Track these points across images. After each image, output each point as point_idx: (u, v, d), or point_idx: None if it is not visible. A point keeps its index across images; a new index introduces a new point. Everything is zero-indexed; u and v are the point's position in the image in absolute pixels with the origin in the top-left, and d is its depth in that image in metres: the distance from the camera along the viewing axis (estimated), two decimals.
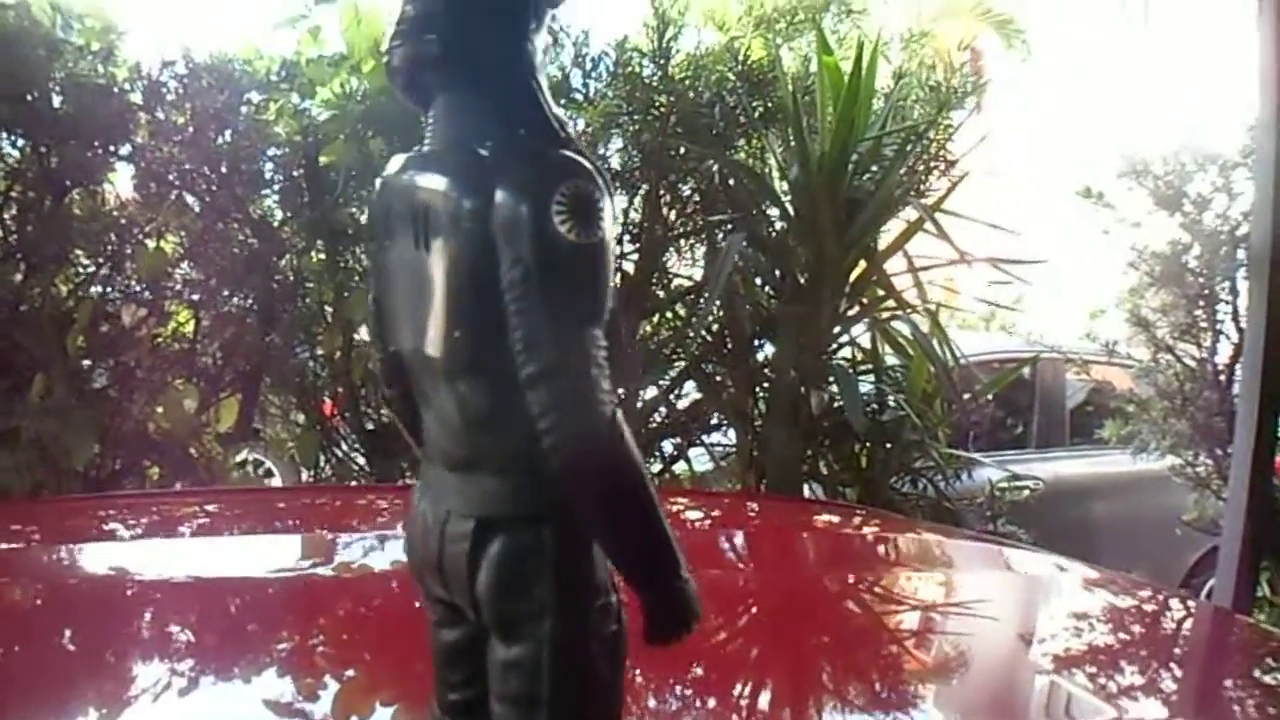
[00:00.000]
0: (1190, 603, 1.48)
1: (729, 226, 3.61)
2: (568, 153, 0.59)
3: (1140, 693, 0.90)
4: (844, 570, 1.41)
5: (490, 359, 0.57)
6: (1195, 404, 4.49)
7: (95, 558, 1.42)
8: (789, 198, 3.52)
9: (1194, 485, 4.59)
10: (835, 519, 2.02)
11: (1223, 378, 4.49)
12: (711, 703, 0.78)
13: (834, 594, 1.29)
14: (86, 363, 3.51)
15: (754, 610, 1.22)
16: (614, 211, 0.58)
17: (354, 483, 3.74)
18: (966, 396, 3.81)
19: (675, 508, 1.98)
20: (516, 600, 0.58)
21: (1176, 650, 1.14)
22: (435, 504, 0.63)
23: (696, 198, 3.77)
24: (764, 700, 0.87)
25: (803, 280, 3.45)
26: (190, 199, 3.68)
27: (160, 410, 3.52)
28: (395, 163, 0.67)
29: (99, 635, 1.09)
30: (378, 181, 0.68)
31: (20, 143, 3.63)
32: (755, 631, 1.12)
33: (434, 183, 0.61)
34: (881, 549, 1.67)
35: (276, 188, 3.76)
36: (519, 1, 0.62)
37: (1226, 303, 4.53)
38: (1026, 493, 4.35)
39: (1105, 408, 5.04)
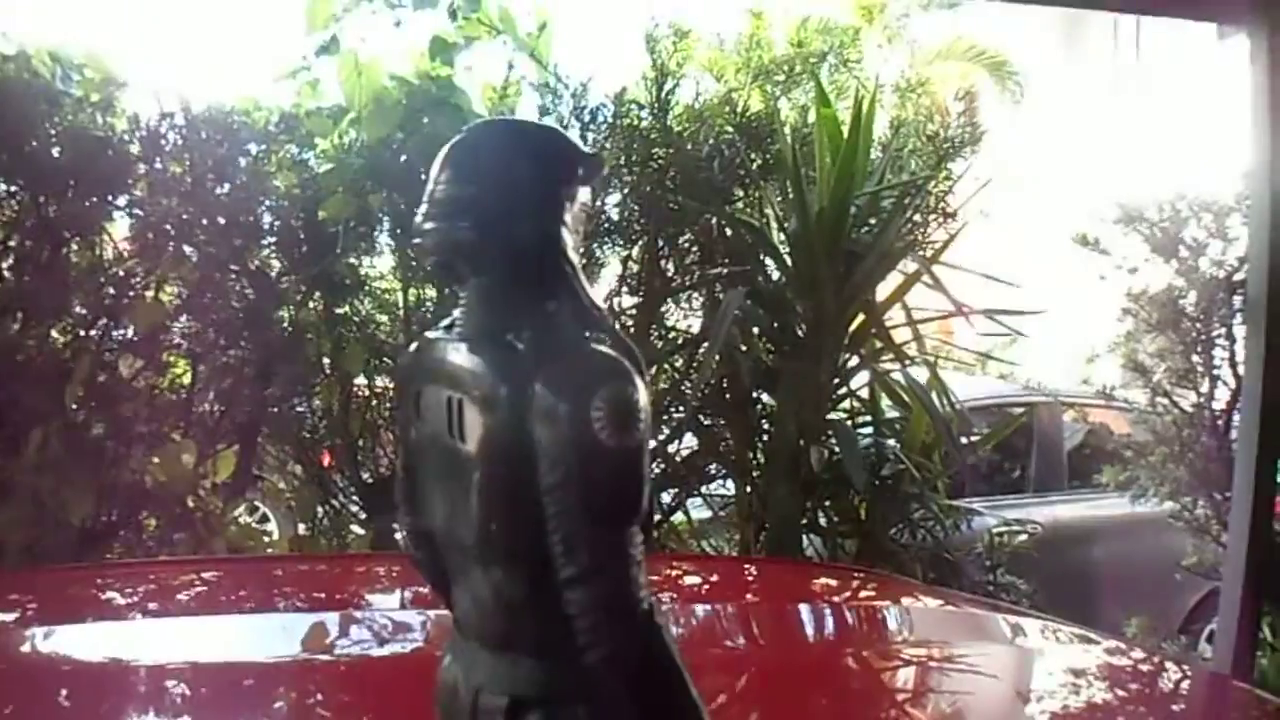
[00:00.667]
0: (1185, 667, 1.47)
1: (727, 279, 3.61)
2: (605, 350, 0.59)
3: None
4: (842, 640, 1.40)
5: (527, 549, 0.57)
6: (1193, 449, 4.49)
7: (85, 634, 1.40)
8: (787, 250, 3.53)
9: (1193, 530, 4.59)
10: (833, 583, 2.01)
11: (1220, 423, 4.49)
12: None
13: (830, 663, 1.28)
14: (83, 415, 3.48)
15: (753, 680, 1.21)
16: (647, 403, 0.58)
17: (351, 534, 3.72)
18: (964, 443, 3.80)
19: (674, 572, 1.97)
20: None
21: (1173, 715, 1.13)
22: (467, 676, 0.62)
23: (695, 250, 3.78)
24: None
25: (801, 333, 3.46)
26: (188, 250, 3.67)
27: (157, 462, 3.50)
28: (425, 341, 0.67)
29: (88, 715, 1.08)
30: (405, 354, 0.68)
31: (18, 193, 3.62)
32: (754, 702, 1.11)
33: (468, 372, 0.60)
34: (879, 616, 1.66)
35: (275, 239, 3.76)
36: (550, 185, 0.62)
37: (1223, 348, 4.54)
38: (1024, 538, 4.34)
39: (1103, 451, 5.04)
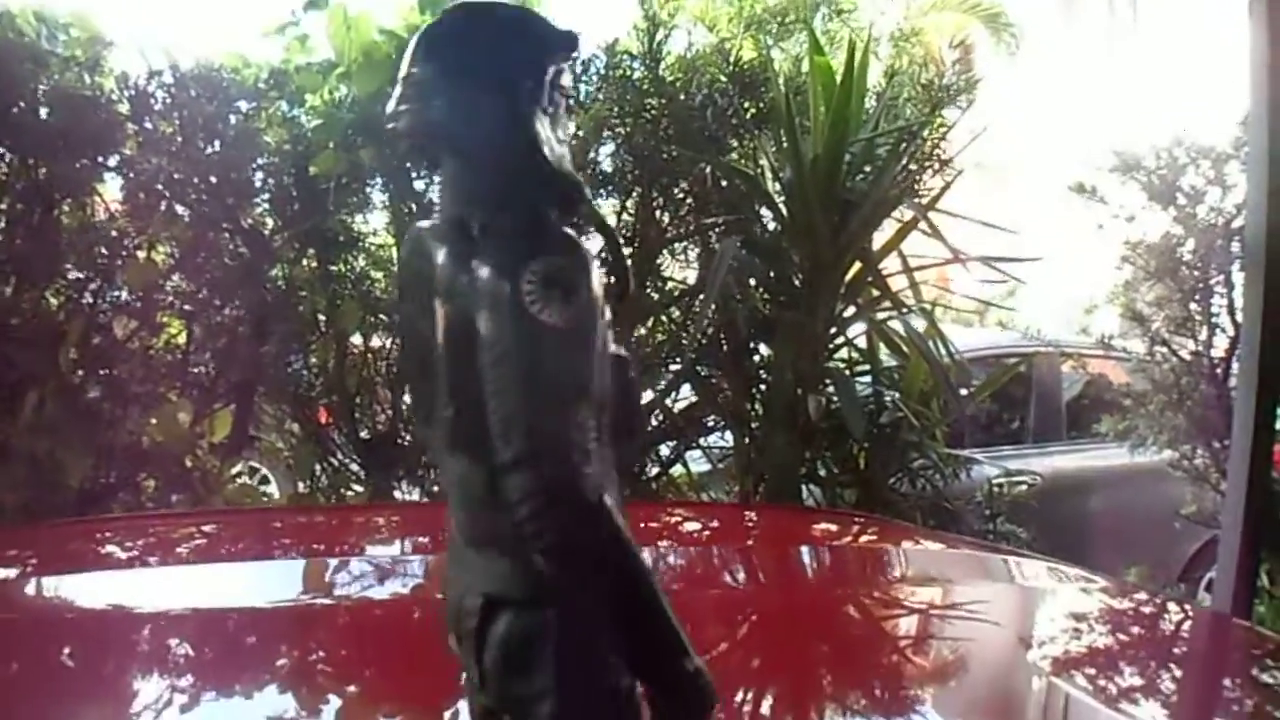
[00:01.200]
0: (1187, 607, 1.46)
1: (722, 229, 3.59)
2: (554, 225, 0.57)
3: (1137, 697, 0.89)
4: (843, 582, 1.40)
5: (483, 439, 0.55)
6: (1192, 398, 4.49)
7: (92, 585, 1.40)
8: (782, 199, 3.51)
9: (1192, 479, 4.60)
10: (833, 528, 2.01)
11: (1219, 371, 4.49)
12: None
13: (831, 606, 1.27)
14: (78, 377, 3.47)
15: (754, 625, 1.20)
16: (597, 281, 0.55)
17: (351, 491, 3.72)
18: (963, 394, 3.80)
19: (672, 519, 1.97)
20: (518, 683, 0.56)
21: (1173, 654, 1.12)
22: (457, 576, 0.61)
23: (689, 200, 3.75)
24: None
25: (798, 282, 3.44)
26: (180, 209, 3.65)
27: (154, 423, 3.49)
28: (414, 231, 0.65)
29: (96, 666, 1.07)
30: (404, 246, 0.66)
31: (7, 155, 3.59)
32: (756, 647, 1.10)
33: (435, 257, 0.59)
34: (880, 559, 1.65)
35: (267, 197, 3.73)
36: (523, 63, 0.60)
37: (1221, 296, 4.53)
38: (1024, 488, 4.35)
39: (1101, 401, 5.04)
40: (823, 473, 3.49)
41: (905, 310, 3.45)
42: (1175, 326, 4.58)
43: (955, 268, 3.91)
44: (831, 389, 3.32)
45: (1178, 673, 1.06)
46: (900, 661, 1.07)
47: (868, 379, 3.56)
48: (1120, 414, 4.69)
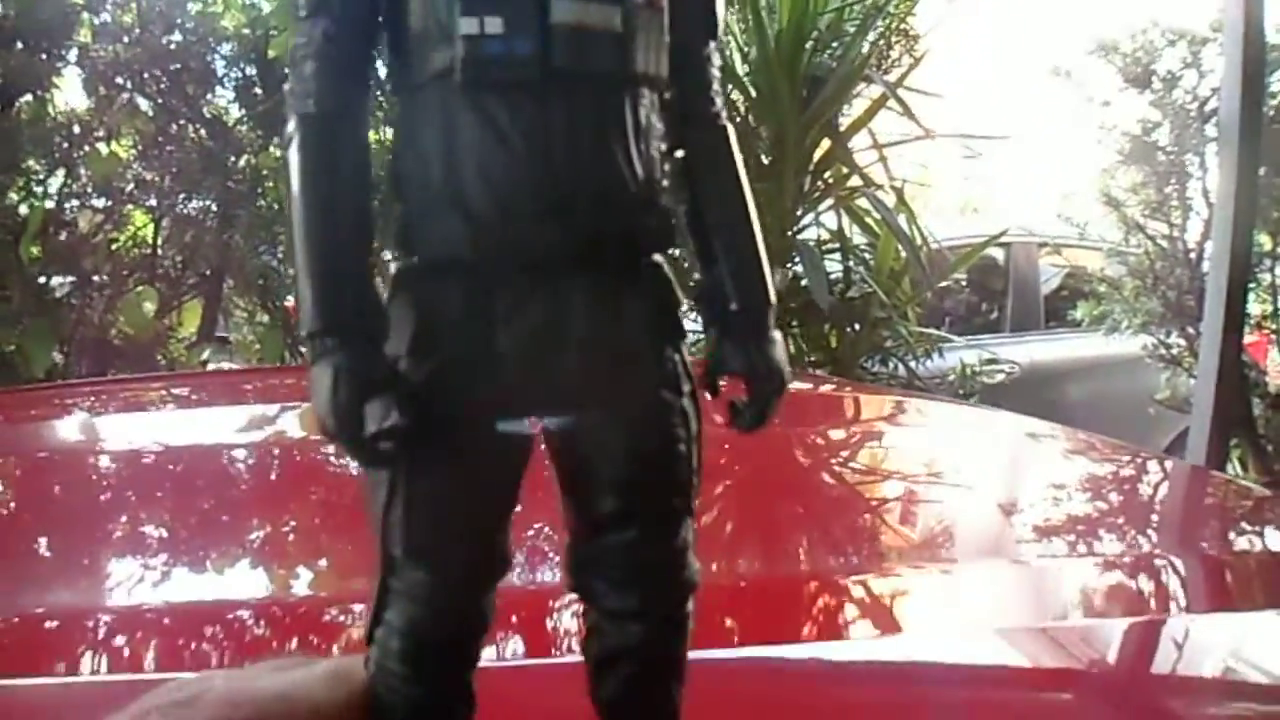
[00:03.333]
0: (1168, 463, 1.46)
1: None
2: None
3: (1119, 544, 0.88)
4: (819, 436, 1.38)
5: None
6: (1166, 282, 4.49)
7: (68, 439, 1.40)
8: (748, 76, 3.46)
9: (1166, 364, 4.61)
10: (806, 386, 2.00)
11: (1193, 255, 4.48)
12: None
13: (812, 460, 1.26)
14: (42, 270, 3.45)
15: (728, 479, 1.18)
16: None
17: None
18: (942, 285, 3.78)
19: None
20: None
21: (1156, 504, 1.12)
22: None
23: None
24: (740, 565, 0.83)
25: (766, 160, 3.41)
26: (141, 101, 3.60)
27: (121, 316, 3.48)
28: None
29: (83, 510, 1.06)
30: None
31: None
32: (731, 502, 1.08)
33: None
34: (856, 413, 1.65)
35: (229, 84, 3.68)
36: None
37: (1197, 179, 4.52)
38: (1001, 376, 4.36)
39: (1080, 294, 5.04)
40: (792, 350, 3.49)
41: (875, 188, 3.42)
42: (1150, 211, 4.56)
43: (929, 155, 3.88)
44: (799, 265, 3.29)
45: (1155, 518, 1.06)
46: (879, 510, 1.06)
47: (837, 259, 3.53)
48: (1096, 300, 4.69)
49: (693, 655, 0.47)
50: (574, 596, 0.47)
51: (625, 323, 0.43)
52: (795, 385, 1.75)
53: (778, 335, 0.48)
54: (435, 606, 0.43)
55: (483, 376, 0.41)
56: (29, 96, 3.58)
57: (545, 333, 0.41)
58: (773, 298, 0.49)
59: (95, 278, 3.46)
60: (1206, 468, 3.07)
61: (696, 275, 0.51)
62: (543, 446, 0.45)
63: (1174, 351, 4.56)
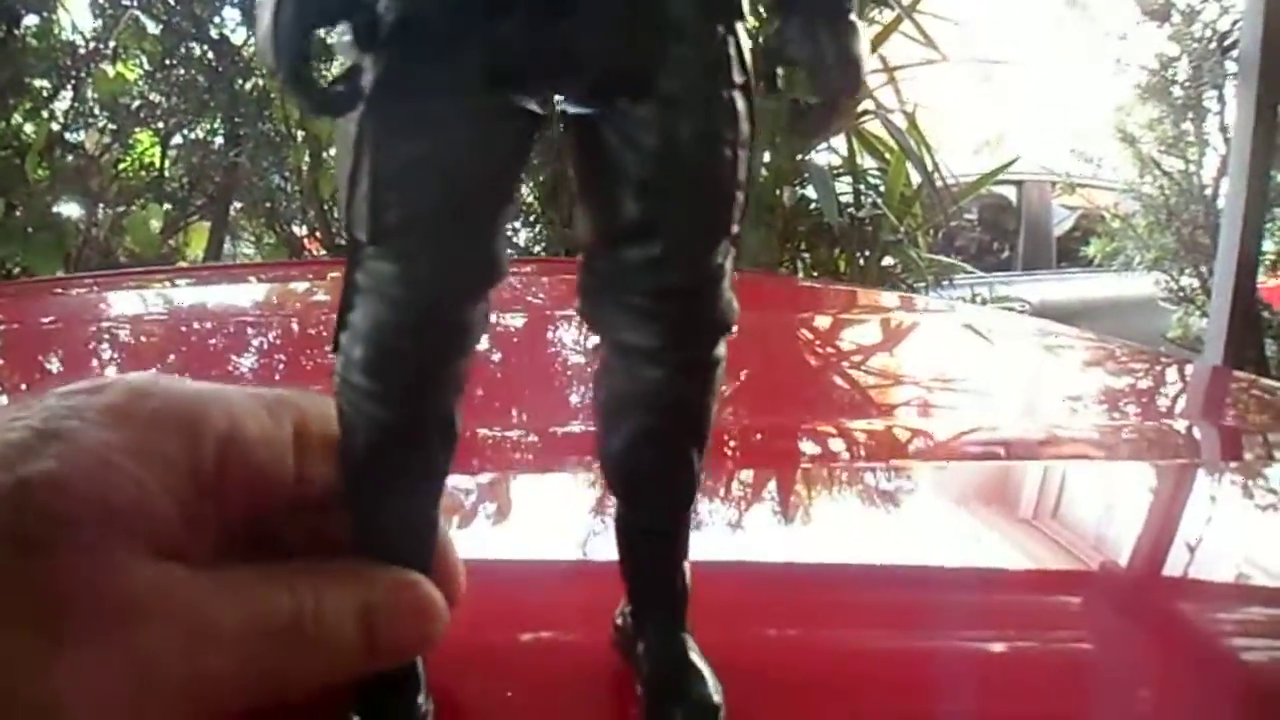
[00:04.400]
0: (1187, 365, 1.42)
1: None
2: None
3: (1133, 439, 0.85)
4: (834, 339, 1.35)
5: None
6: (1180, 219, 4.46)
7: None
8: None
9: (1178, 302, 4.59)
10: (816, 290, 1.96)
11: (1208, 191, 4.44)
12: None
13: (827, 362, 1.23)
14: (49, 186, 3.44)
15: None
16: None
17: None
18: (952, 224, 3.73)
19: None
20: None
21: (1179, 402, 1.09)
22: None
23: None
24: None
25: (777, 80, 3.37)
26: (148, 21, 3.57)
27: (128, 236, 3.47)
28: None
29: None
30: None
31: None
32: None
33: None
34: (870, 317, 1.61)
35: (236, 4, 3.64)
36: None
37: (1214, 115, 4.47)
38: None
39: (1094, 233, 5.00)
40: (801, 275, 3.46)
41: (886, 111, 3.38)
42: (1166, 146, 4.52)
43: (941, 83, 3.83)
44: (809, 187, 3.27)
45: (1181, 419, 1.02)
46: (899, 413, 1.03)
47: (848, 182, 3.50)
48: (1109, 238, 4.66)
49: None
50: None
51: None
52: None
53: (856, 20, 0.37)
54: (403, 304, 0.36)
55: (470, 23, 0.34)
56: (35, 17, 3.56)
57: None
58: None
59: (103, 199, 3.44)
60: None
61: None
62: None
63: (1186, 291, 4.53)
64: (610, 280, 0.37)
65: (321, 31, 0.31)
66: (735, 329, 0.36)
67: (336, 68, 0.31)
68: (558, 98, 0.35)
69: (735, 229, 0.36)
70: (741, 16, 0.36)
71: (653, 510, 0.40)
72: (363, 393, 0.36)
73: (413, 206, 0.35)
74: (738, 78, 0.36)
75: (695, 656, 0.38)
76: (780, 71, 0.38)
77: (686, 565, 0.40)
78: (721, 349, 0.37)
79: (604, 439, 0.39)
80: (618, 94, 0.35)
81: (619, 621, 0.40)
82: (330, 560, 0.33)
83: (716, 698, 0.36)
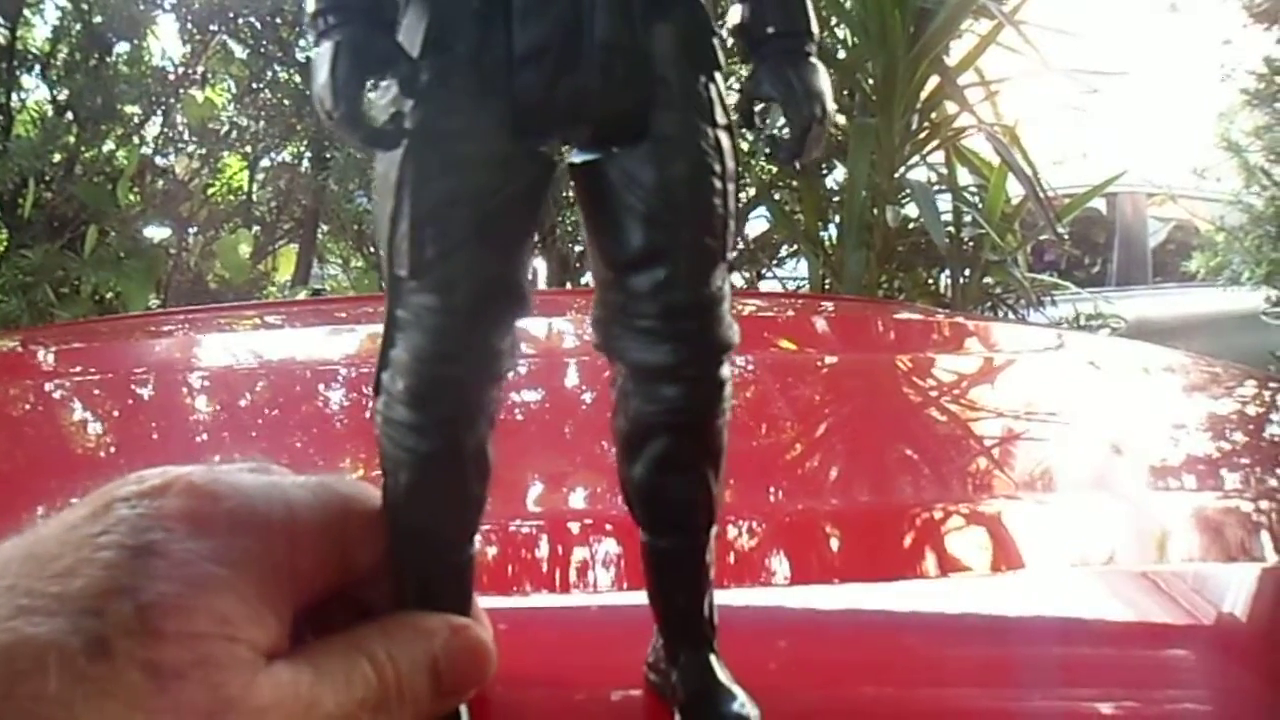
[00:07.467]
0: None
1: None
2: None
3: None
4: (918, 361, 1.28)
5: None
6: None
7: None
8: (855, 9, 3.34)
9: None
10: (913, 316, 1.89)
11: None
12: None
13: (910, 386, 1.16)
14: (141, 212, 3.45)
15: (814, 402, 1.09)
16: None
17: None
18: (1051, 237, 3.62)
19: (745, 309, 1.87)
20: None
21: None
22: None
23: None
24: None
25: (874, 97, 3.28)
26: (235, 46, 3.58)
27: (218, 261, 3.47)
28: None
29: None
30: None
31: (60, 1, 3.56)
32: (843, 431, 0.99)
33: None
34: (961, 341, 1.54)
35: None
36: None
37: None
38: (1106, 332, 4.20)
39: (1189, 246, 4.83)
40: (900, 296, 3.37)
41: (986, 126, 3.28)
42: (1275, 157, 4.35)
43: (1038, 96, 3.72)
44: (910, 198, 3.17)
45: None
46: (982, 433, 0.95)
47: (947, 198, 3.40)
48: (1212, 252, 4.50)
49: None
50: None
51: (654, 39, 0.40)
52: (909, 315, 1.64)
53: (819, 64, 0.43)
54: (442, 333, 0.39)
55: (495, 80, 0.38)
56: (126, 44, 3.59)
57: (565, 37, 0.39)
58: (814, 28, 0.43)
59: (192, 224, 3.44)
60: None
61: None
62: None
63: None
64: (622, 309, 0.41)
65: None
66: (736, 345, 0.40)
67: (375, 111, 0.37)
68: (565, 148, 0.41)
69: (730, 254, 0.40)
70: (720, 67, 0.42)
71: (676, 534, 0.43)
72: (405, 428, 0.39)
73: (449, 239, 0.38)
74: (721, 119, 0.41)
75: (726, 678, 0.41)
76: (757, 108, 0.43)
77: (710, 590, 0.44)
78: (727, 370, 0.41)
79: (625, 466, 0.43)
80: (618, 138, 0.40)
81: (651, 658, 0.43)
82: (381, 619, 0.36)
83: (753, 716, 0.40)
